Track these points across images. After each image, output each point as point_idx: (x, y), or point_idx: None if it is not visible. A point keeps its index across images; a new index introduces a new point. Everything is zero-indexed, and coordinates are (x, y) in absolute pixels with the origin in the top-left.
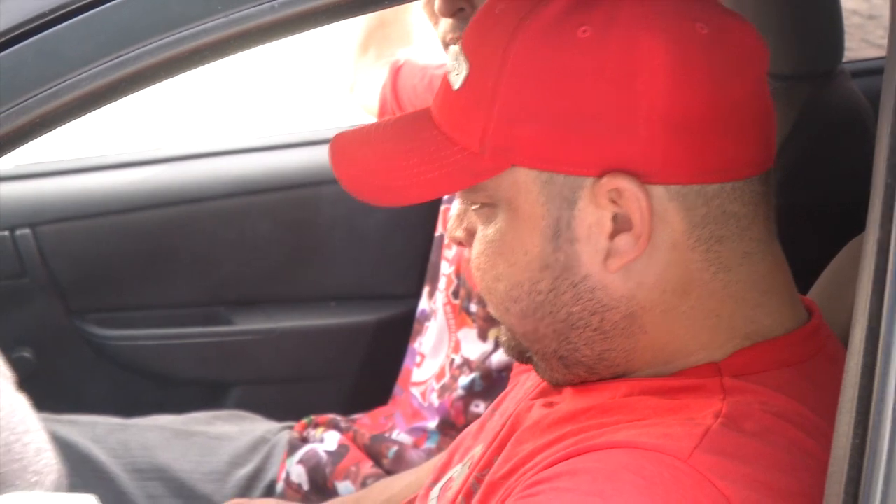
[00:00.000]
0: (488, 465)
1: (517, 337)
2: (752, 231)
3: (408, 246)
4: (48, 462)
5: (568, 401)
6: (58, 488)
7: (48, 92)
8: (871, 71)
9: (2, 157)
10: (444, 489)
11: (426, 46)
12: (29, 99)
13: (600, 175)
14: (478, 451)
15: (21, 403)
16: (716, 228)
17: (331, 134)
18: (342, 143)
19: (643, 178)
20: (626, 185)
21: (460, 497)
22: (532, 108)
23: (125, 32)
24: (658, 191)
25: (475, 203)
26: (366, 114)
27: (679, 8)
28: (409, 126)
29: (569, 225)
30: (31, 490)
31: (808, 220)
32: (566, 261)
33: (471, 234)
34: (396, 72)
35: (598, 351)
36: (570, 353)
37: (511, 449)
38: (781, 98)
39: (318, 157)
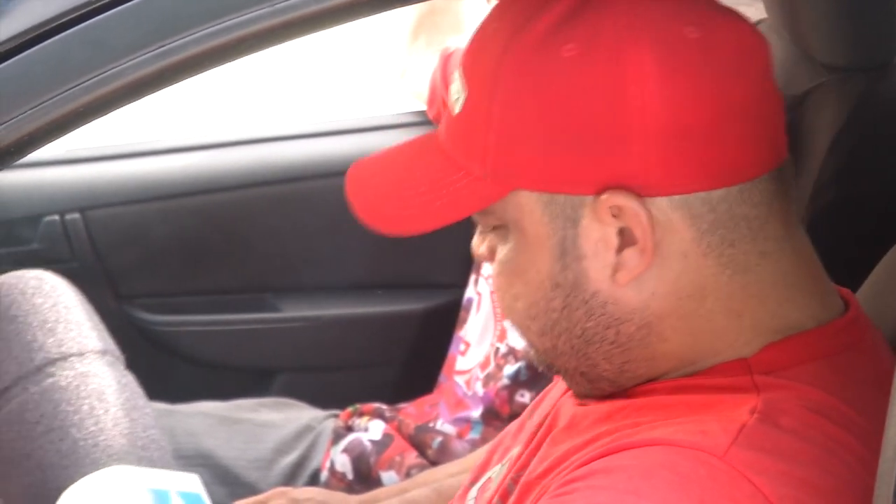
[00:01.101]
0: (525, 465)
1: (540, 355)
2: (767, 230)
3: (455, 234)
4: (155, 439)
5: (601, 401)
6: (164, 465)
7: (93, 80)
8: None
9: (48, 145)
10: (482, 489)
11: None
12: (74, 87)
13: (599, 192)
14: (516, 451)
15: (130, 381)
16: (726, 233)
17: (380, 122)
18: (358, 174)
19: (643, 192)
20: (624, 201)
21: (496, 498)
22: (525, 130)
23: (170, 21)
24: (661, 202)
25: (488, 225)
26: (416, 100)
27: (666, 14)
28: (419, 151)
29: (574, 243)
30: (138, 465)
31: (860, 215)
32: (575, 278)
33: (493, 251)
34: (446, 59)
35: (618, 364)
36: (590, 369)
37: (547, 449)
38: (834, 91)
39: (366, 144)
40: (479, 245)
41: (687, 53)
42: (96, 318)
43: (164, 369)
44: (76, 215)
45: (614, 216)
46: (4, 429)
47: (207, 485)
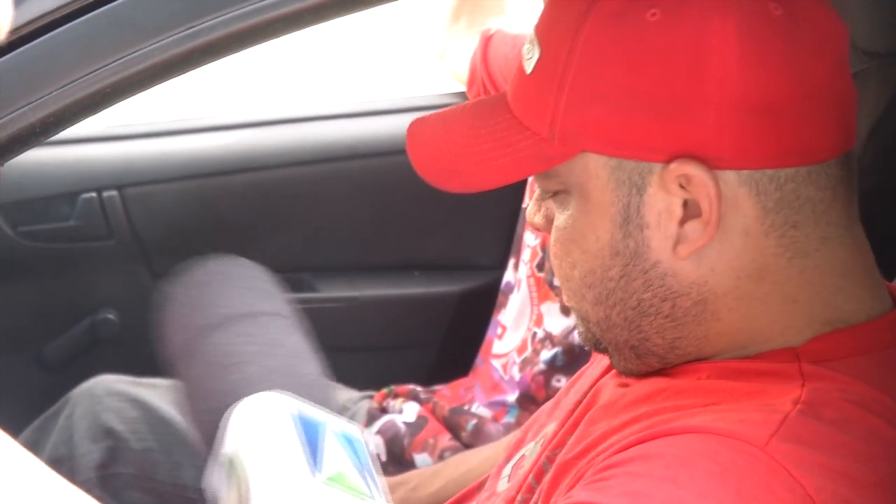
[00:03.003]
0: (560, 444)
1: (591, 327)
2: (830, 215)
3: (494, 216)
4: (319, 385)
5: (643, 381)
6: (328, 408)
7: (121, 61)
8: None
9: (76, 124)
10: (516, 467)
11: (519, 16)
12: (102, 68)
13: (669, 161)
14: (550, 429)
15: (302, 339)
16: (790, 213)
17: (419, 102)
18: (419, 127)
19: (713, 164)
20: (694, 171)
21: (531, 476)
22: (600, 91)
23: (199, 3)
24: (729, 176)
25: (549, 190)
26: (456, 82)
27: None
28: (485, 110)
29: (638, 211)
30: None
31: None
32: (636, 247)
33: (549, 220)
34: (487, 41)
35: (670, 339)
36: (641, 343)
37: (584, 429)
38: (875, 76)
39: (405, 125)
40: (534, 213)
41: (770, 29)
42: (281, 291)
43: None
44: (114, 192)
45: (681, 186)
46: (202, 359)
47: None
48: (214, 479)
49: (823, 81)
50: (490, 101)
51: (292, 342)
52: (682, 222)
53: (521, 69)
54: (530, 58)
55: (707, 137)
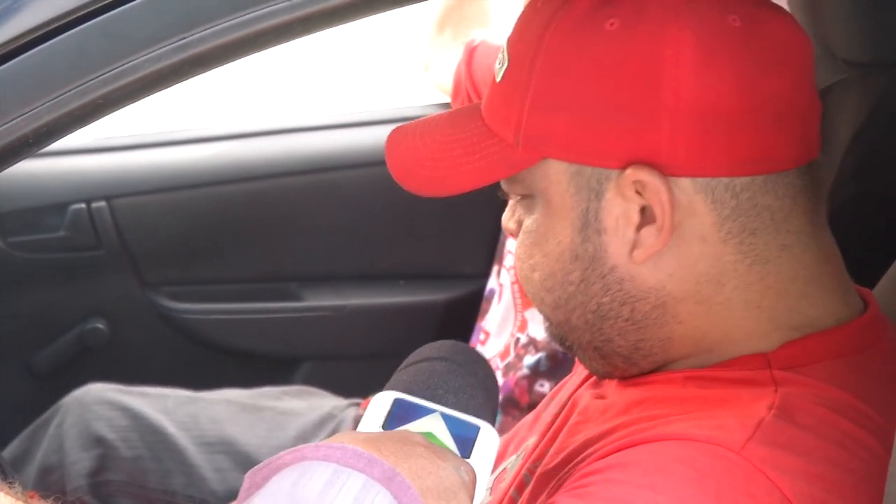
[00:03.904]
0: (540, 456)
1: (553, 328)
2: (791, 224)
3: (477, 226)
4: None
5: (619, 392)
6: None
7: (112, 72)
8: None
9: (68, 135)
10: (497, 480)
11: (502, 28)
12: (93, 79)
13: (624, 167)
14: (531, 442)
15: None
16: (747, 221)
17: (403, 113)
18: (398, 135)
19: (667, 171)
20: (647, 177)
21: (512, 489)
22: (560, 98)
23: (190, 14)
24: (684, 183)
25: (516, 195)
26: (440, 92)
27: (713, 1)
28: (461, 119)
29: (596, 216)
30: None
31: (879, 211)
32: (594, 252)
33: (520, 225)
34: (471, 52)
35: (633, 341)
36: (604, 344)
37: (563, 440)
38: (856, 86)
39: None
40: (508, 218)
41: (728, 40)
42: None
43: (188, 357)
44: (102, 203)
45: (637, 192)
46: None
47: (229, 471)
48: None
49: (781, 93)
50: (467, 109)
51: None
52: (639, 228)
53: (493, 79)
54: (500, 67)
55: (660, 145)
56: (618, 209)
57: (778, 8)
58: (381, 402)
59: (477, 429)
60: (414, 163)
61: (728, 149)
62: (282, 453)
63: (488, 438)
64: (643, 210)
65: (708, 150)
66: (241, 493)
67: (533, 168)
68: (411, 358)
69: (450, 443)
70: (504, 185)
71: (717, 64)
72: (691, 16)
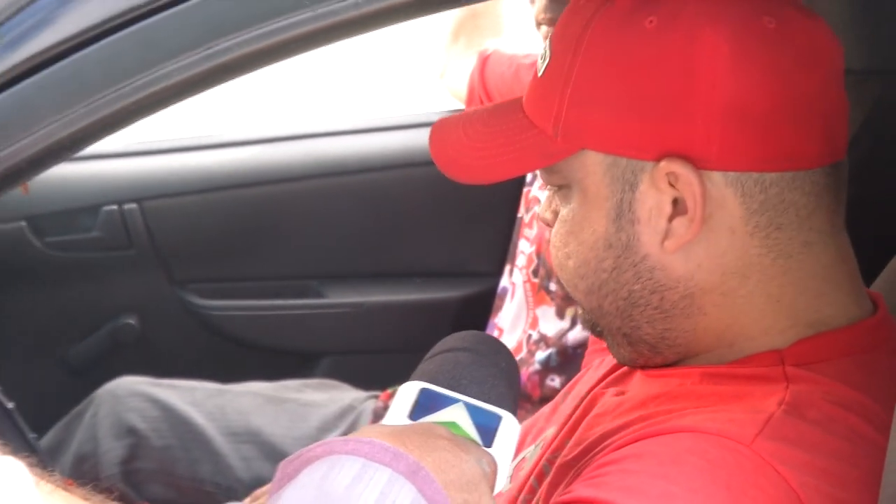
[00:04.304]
0: (559, 447)
1: (585, 314)
2: (813, 221)
3: (490, 226)
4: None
5: (637, 388)
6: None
7: (144, 80)
8: None
9: (101, 140)
10: (517, 468)
11: (514, 37)
12: (125, 87)
13: (658, 159)
14: (550, 432)
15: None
16: (774, 216)
17: (420, 119)
18: (441, 126)
19: (699, 164)
20: (681, 169)
21: (532, 478)
22: (599, 93)
23: (217, 25)
24: (716, 177)
25: (553, 185)
26: (455, 99)
27: (748, 2)
28: (501, 112)
29: (630, 207)
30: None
31: (873, 213)
32: (627, 241)
33: (556, 215)
34: (484, 60)
35: (660, 329)
36: (632, 331)
37: (582, 433)
38: (852, 93)
39: (408, 140)
40: (545, 209)
41: (761, 41)
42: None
43: (215, 351)
44: (134, 205)
45: (670, 184)
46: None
47: (254, 459)
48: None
49: (813, 93)
50: (507, 103)
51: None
52: (671, 218)
53: (535, 73)
54: (543, 61)
55: (694, 139)
56: (651, 200)
57: (809, 11)
58: (408, 392)
59: (499, 418)
60: (456, 152)
61: (759, 145)
62: (313, 446)
63: (510, 428)
64: (675, 201)
65: (740, 145)
66: (273, 484)
67: (570, 159)
68: (437, 347)
69: (472, 432)
70: (542, 175)
71: (752, 63)
72: (727, 16)
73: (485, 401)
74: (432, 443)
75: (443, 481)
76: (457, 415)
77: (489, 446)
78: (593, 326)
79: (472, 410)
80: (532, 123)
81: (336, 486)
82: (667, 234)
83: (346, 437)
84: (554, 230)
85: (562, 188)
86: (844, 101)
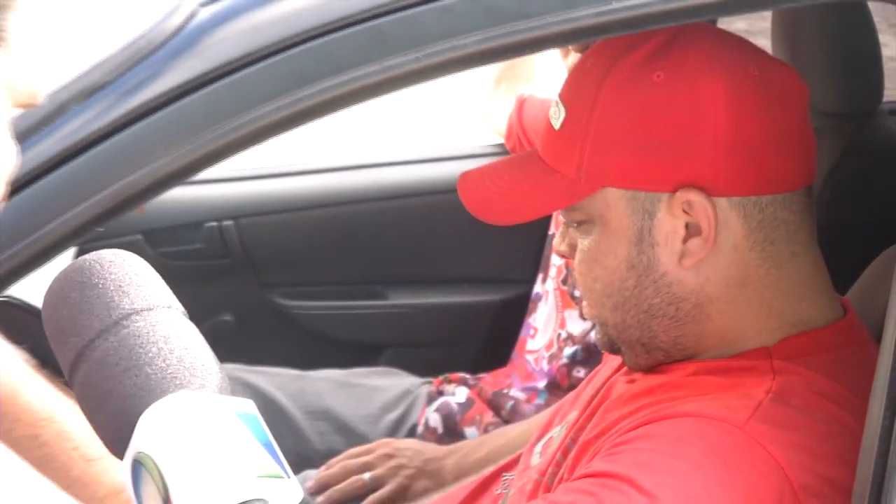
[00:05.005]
0: (581, 428)
1: (608, 331)
2: (799, 235)
3: (525, 241)
4: (212, 371)
5: (645, 378)
6: (222, 392)
7: (238, 122)
8: None
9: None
10: (546, 445)
11: (546, 84)
12: (224, 127)
13: (674, 190)
14: (573, 416)
15: (191, 328)
16: (769, 232)
17: (466, 152)
18: (467, 181)
19: (710, 192)
20: (695, 198)
21: (558, 454)
22: (618, 139)
23: (299, 76)
24: (721, 202)
25: (574, 221)
26: (496, 135)
27: (735, 54)
28: (521, 161)
29: (650, 232)
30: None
31: (849, 233)
32: (648, 262)
33: (572, 247)
34: (521, 104)
35: (674, 336)
36: (650, 340)
37: (600, 416)
38: (830, 132)
39: (456, 169)
40: (560, 243)
41: (750, 86)
42: (162, 281)
43: (296, 343)
44: (230, 222)
45: (685, 211)
46: (93, 371)
47: (328, 434)
48: (126, 478)
49: (793, 126)
50: (524, 155)
51: (183, 334)
52: (686, 240)
53: (549, 127)
54: (557, 117)
55: (704, 172)
56: (668, 225)
57: (781, 61)
58: (191, 420)
59: (256, 416)
60: (488, 200)
61: (756, 172)
62: None
63: (257, 415)
64: (687, 225)
65: (741, 173)
66: None
67: (592, 196)
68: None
69: (269, 463)
70: (564, 214)
71: (744, 105)
72: (721, 67)
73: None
74: None
75: None
76: (253, 449)
77: (274, 451)
78: (612, 345)
79: (248, 422)
80: (553, 169)
81: None
82: (683, 254)
83: None
84: (577, 260)
85: (582, 223)
86: (812, 132)
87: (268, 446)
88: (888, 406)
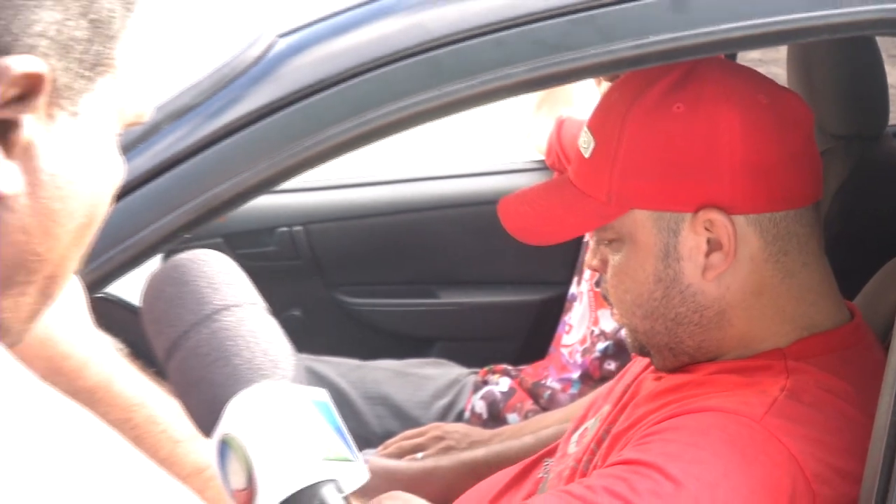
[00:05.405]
0: (613, 421)
1: (638, 336)
2: (809, 246)
3: (562, 247)
4: (293, 363)
5: (671, 376)
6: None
7: (309, 142)
8: None
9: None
10: (581, 435)
11: (582, 107)
12: (298, 146)
13: (696, 210)
14: (606, 410)
15: (274, 324)
16: (783, 244)
17: (510, 167)
18: (506, 207)
19: (728, 211)
20: (716, 216)
21: (593, 443)
22: (644, 165)
23: (366, 100)
24: (739, 219)
25: (605, 239)
26: (537, 153)
27: (746, 84)
28: (555, 187)
29: (675, 248)
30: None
31: (856, 244)
32: (674, 275)
33: (603, 262)
34: (560, 125)
35: (698, 341)
36: (677, 345)
37: (630, 411)
38: (840, 152)
39: (502, 182)
40: (591, 259)
41: (761, 113)
42: (247, 279)
43: (358, 336)
44: (300, 228)
45: (706, 229)
46: (186, 360)
47: (385, 418)
48: (213, 456)
49: (800, 149)
50: (556, 182)
51: (267, 329)
52: (708, 254)
53: (580, 155)
54: (587, 147)
55: (723, 193)
56: (692, 241)
57: (788, 89)
58: (274, 406)
59: (328, 403)
60: (528, 224)
61: (770, 191)
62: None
63: (330, 403)
64: (709, 241)
65: (757, 193)
66: None
67: (621, 217)
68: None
69: (340, 446)
70: (595, 233)
71: (757, 131)
72: (735, 97)
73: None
74: None
75: None
76: (327, 434)
77: (344, 436)
78: (641, 349)
79: (322, 410)
80: (585, 193)
81: None
82: (705, 267)
83: None
84: (609, 274)
85: (612, 242)
86: (818, 153)
87: (338, 431)
88: None
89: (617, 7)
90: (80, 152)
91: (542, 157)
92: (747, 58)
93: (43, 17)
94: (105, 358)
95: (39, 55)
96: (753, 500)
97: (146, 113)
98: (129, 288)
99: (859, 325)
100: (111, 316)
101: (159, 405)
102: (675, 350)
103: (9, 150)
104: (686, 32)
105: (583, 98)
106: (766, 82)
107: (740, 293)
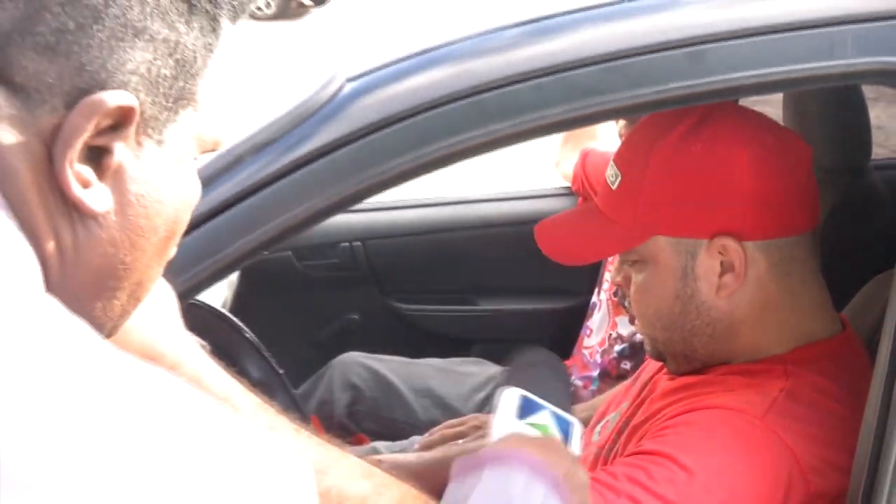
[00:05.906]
0: (632, 415)
1: (657, 345)
2: (808, 266)
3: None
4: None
5: (683, 376)
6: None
7: (369, 174)
8: (886, 167)
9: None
10: (604, 427)
11: (604, 142)
12: (364, 176)
13: (712, 237)
14: (625, 406)
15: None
16: (786, 266)
17: (540, 192)
18: (542, 227)
19: (740, 238)
20: (729, 243)
21: (614, 434)
22: (665, 198)
23: (422, 137)
24: (749, 245)
25: (629, 260)
26: (564, 181)
27: (756, 127)
28: (585, 214)
29: (692, 270)
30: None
31: (846, 262)
32: (691, 293)
33: (627, 279)
34: (585, 156)
35: (710, 350)
36: (691, 353)
37: (646, 406)
38: (830, 183)
39: (536, 206)
40: (616, 276)
41: (768, 152)
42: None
43: (408, 338)
44: (359, 243)
45: (720, 253)
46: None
47: (430, 408)
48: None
49: (801, 182)
50: (585, 210)
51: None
52: (721, 275)
53: (607, 187)
54: (614, 180)
55: (735, 222)
56: (707, 264)
57: (789, 129)
58: (511, 397)
59: (570, 424)
60: (562, 247)
61: (776, 219)
62: (484, 450)
63: (578, 431)
64: (722, 263)
65: (765, 222)
66: (453, 476)
67: (645, 242)
68: (519, 360)
69: (556, 434)
70: (621, 255)
71: (765, 168)
72: (745, 138)
73: (557, 406)
74: (561, 457)
75: (569, 488)
76: (546, 419)
77: (567, 445)
78: (659, 355)
79: (554, 417)
80: (612, 220)
81: (512, 492)
82: (719, 286)
83: (506, 448)
84: (633, 291)
85: (636, 263)
86: (817, 185)
87: (568, 441)
88: (883, 404)
89: (643, 58)
90: (163, 175)
91: (569, 184)
92: (747, 99)
93: (135, 56)
94: (195, 357)
95: (131, 90)
96: (756, 487)
97: (222, 140)
98: (215, 296)
99: (850, 334)
100: (200, 321)
101: (241, 399)
102: (689, 357)
103: (101, 174)
104: (701, 80)
105: (604, 133)
106: (772, 125)
107: (748, 308)
